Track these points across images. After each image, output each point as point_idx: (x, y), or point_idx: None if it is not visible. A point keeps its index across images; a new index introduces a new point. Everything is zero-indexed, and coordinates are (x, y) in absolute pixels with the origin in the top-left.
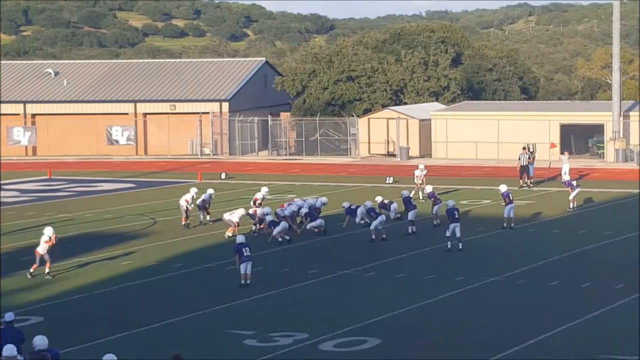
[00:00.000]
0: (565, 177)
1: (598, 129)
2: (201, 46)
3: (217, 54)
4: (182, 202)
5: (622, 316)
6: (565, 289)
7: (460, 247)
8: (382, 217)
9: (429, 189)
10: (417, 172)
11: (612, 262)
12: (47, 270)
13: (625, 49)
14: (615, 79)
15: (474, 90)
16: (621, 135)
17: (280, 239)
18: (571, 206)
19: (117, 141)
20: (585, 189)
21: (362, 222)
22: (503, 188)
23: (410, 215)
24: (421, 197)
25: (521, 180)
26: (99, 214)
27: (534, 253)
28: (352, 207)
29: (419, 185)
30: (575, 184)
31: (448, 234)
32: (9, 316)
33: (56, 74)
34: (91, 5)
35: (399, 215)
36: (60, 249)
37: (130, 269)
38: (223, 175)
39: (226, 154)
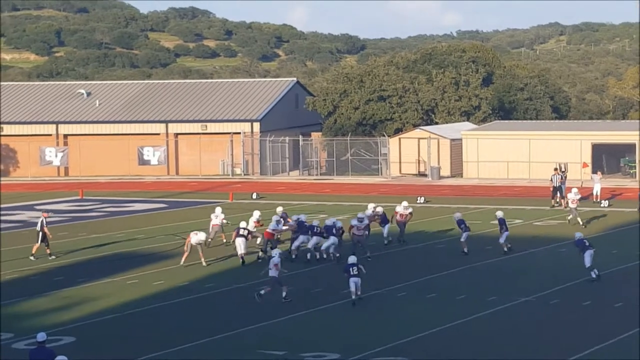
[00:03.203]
0: None
1: (630, 149)
2: (232, 66)
3: (248, 74)
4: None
5: None
6: (598, 308)
7: (595, 274)
8: (334, 239)
9: (458, 215)
10: (570, 196)
11: None
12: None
13: None
14: None
15: (505, 110)
16: None
17: (330, 255)
18: None
19: (148, 161)
20: (617, 209)
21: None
22: (500, 214)
23: (463, 236)
24: (581, 222)
25: (553, 200)
26: (130, 234)
27: (566, 273)
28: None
29: (574, 209)
30: None
31: (587, 264)
32: (41, 336)
33: (88, 94)
34: (123, 26)
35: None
36: (93, 269)
37: (162, 289)
38: (254, 196)
39: (257, 174)
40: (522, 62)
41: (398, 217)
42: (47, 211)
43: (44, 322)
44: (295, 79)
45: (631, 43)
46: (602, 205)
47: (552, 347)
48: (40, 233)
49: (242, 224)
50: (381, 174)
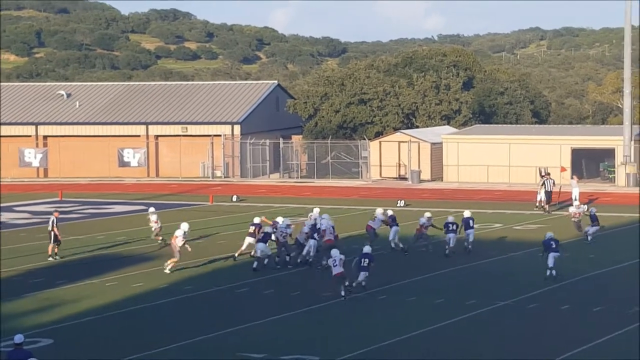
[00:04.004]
0: (593, 210)
1: (609, 154)
2: (213, 69)
3: (230, 77)
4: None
5: (633, 341)
6: (577, 313)
7: (550, 274)
8: (313, 242)
9: (450, 219)
10: (571, 209)
11: (623, 286)
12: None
13: (636, 73)
14: (627, 103)
15: (486, 114)
16: (632, 159)
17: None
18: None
19: (128, 163)
20: (596, 214)
21: None
22: (467, 214)
23: (451, 240)
24: (581, 232)
25: (547, 206)
26: (110, 236)
27: (549, 278)
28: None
29: (578, 221)
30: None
31: (550, 264)
32: (18, 338)
33: (68, 95)
34: (104, 28)
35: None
36: (72, 271)
37: (141, 291)
38: (234, 198)
39: (238, 176)
40: (502, 66)
41: (422, 229)
42: (57, 210)
43: (22, 323)
44: (276, 81)
45: (611, 48)
46: (581, 207)
47: (530, 351)
48: (52, 233)
49: (256, 220)
50: (361, 177)
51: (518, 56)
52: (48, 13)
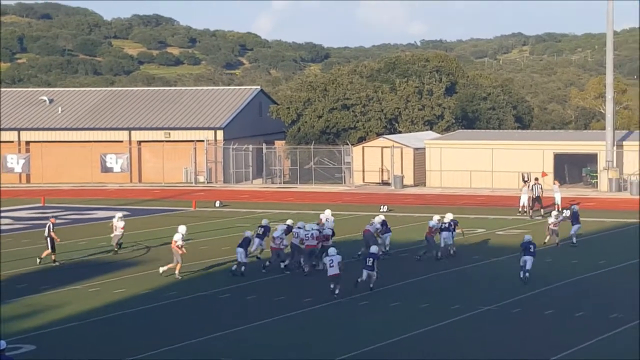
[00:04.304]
0: (576, 208)
1: (591, 159)
2: (196, 74)
3: (212, 82)
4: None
5: (616, 346)
6: (560, 318)
7: (524, 276)
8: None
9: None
10: (550, 220)
11: (606, 291)
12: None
13: (618, 78)
14: (609, 108)
15: (468, 119)
16: (614, 164)
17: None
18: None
19: (111, 169)
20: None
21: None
22: (449, 217)
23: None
24: (557, 242)
25: (531, 211)
26: (92, 242)
27: (529, 282)
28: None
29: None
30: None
31: (522, 265)
32: (0, 344)
33: (51, 101)
34: (86, 33)
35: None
36: (55, 277)
37: (124, 297)
38: (217, 204)
39: (221, 182)
40: (485, 71)
41: (433, 231)
42: (53, 217)
43: (5, 330)
44: (259, 87)
45: (593, 54)
46: (564, 214)
47: (514, 356)
48: (49, 239)
49: (264, 222)
50: (344, 183)
51: (500, 62)
52: (30, 18)
